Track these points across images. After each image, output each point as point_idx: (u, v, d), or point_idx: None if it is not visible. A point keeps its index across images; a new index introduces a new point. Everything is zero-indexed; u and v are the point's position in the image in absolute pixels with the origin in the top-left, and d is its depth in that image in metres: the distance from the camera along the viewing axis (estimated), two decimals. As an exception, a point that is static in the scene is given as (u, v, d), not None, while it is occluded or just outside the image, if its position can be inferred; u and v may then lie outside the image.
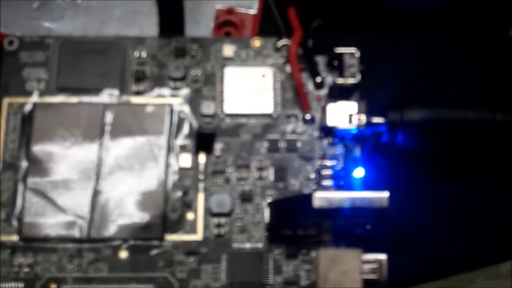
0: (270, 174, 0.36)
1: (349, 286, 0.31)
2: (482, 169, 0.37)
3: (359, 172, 0.35)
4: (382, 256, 0.32)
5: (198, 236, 0.35)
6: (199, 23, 0.41)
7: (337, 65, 0.36)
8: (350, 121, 0.35)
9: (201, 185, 0.35)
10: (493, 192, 0.37)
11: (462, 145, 0.36)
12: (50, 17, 0.41)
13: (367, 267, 0.32)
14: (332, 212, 0.31)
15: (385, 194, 0.31)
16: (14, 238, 0.34)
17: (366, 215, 0.32)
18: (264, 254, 0.34)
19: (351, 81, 0.36)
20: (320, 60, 0.37)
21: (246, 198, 0.35)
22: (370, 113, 0.35)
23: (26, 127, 0.35)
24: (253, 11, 0.40)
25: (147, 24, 0.41)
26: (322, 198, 0.31)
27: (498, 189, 0.37)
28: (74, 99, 0.36)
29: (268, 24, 0.40)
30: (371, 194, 0.31)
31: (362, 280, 0.31)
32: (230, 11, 0.40)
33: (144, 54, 0.37)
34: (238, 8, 0.40)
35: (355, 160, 0.36)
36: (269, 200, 0.35)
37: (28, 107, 0.36)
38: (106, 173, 0.35)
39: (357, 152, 0.36)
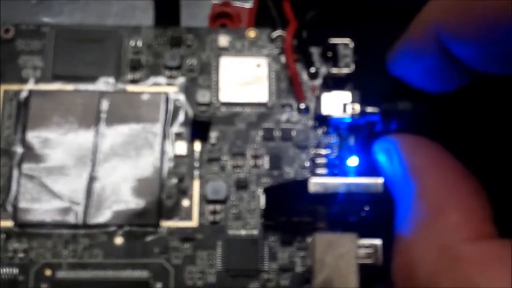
0: (265, 162, 0.36)
1: (345, 270, 0.31)
2: (476, 158, 0.38)
3: (353, 161, 0.36)
4: (378, 241, 0.32)
5: (194, 222, 0.35)
6: (196, 18, 0.42)
7: (331, 56, 0.37)
8: (345, 110, 0.35)
9: (196, 173, 0.35)
10: (488, 179, 0.37)
11: (456, 135, 0.36)
12: (48, 12, 0.42)
13: (362, 252, 0.32)
14: (328, 198, 0.31)
15: (380, 180, 0.31)
16: (9, 223, 0.34)
17: (361, 201, 0.32)
18: (259, 241, 0.35)
19: (345, 71, 0.36)
20: (315, 51, 0.38)
21: (241, 185, 0.35)
22: (364, 102, 0.36)
23: (22, 114, 0.35)
24: (248, 5, 0.41)
25: (145, 19, 0.41)
26: (317, 183, 0.31)
27: (493, 177, 0.37)
28: (70, 87, 0.36)
29: (263, 18, 0.40)
30: (366, 179, 0.31)
31: (357, 265, 0.31)
32: (226, 4, 0.40)
33: (139, 43, 0.37)
34: (234, 1, 0.41)
35: (349, 149, 0.36)
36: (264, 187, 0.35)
37: (23, 94, 0.36)
38: (101, 160, 0.35)
39: (351, 141, 0.36)
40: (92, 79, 0.36)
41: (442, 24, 0.27)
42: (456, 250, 0.26)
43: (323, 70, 0.37)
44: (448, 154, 0.30)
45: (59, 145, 0.35)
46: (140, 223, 0.34)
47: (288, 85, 0.37)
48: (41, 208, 0.34)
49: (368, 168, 0.35)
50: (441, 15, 0.27)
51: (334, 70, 0.36)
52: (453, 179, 0.29)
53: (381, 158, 0.32)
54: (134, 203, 0.34)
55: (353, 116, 0.35)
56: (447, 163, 0.30)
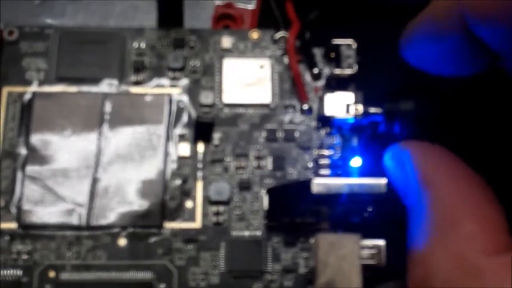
0: (268, 163, 0.36)
1: (348, 270, 0.31)
2: (479, 158, 0.37)
3: (356, 162, 0.36)
4: (381, 242, 0.32)
5: (197, 224, 0.35)
6: (199, 19, 0.42)
7: (334, 57, 0.37)
8: (348, 111, 0.36)
9: (199, 174, 0.35)
10: (491, 179, 0.37)
11: (459, 136, 0.36)
12: (51, 13, 0.42)
13: (365, 252, 0.32)
14: (330, 199, 0.31)
15: (383, 181, 0.31)
16: (13, 225, 0.34)
17: (364, 201, 0.32)
18: (263, 242, 0.35)
19: (348, 71, 0.36)
20: (317, 51, 0.38)
21: (244, 186, 0.35)
22: (367, 103, 0.36)
23: (25, 116, 0.36)
24: (251, 6, 0.41)
25: (148, 20, 0.41)
26: (320, 184, 0.31)
27: (496, 176, 0.37)
28: (73, 89, 0.36)
29: (266, 19, 0.40)
30: (369, 180, 0.31)
31: (361, 265, 0.31)
32: (229, 5, 0.40)
33: (143, 45, 0.37)
34: (237, 3, 0.41)
35: (352, 149, 0.36)
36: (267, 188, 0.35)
37: (27, 96, 0.36)
38: (105, 162, 0.35)
39: (354, 141, 0.36)
40: (96, 81, 0.36)
41: (468, 5, 0.26)
42: (473, 262, 0.25)
43: (326, 71, 0.37)
44: (461, 163, 0.29)
45: (63, 147, 0.35)
46: (143, 224, 0.34)
47: (291, 86, 0.37)
48: (45, 210, 0.34)
49: (371, 168, 0.35)
50: None
51: (337, 71, 0.36)
52: (468, 188, 0.28)
53: (393, 167, 0.32)
54: (138, 204, 0.34)
55: (356, 116, 0.36)
56: (461, 172, 0.29)
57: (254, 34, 0.38)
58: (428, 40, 0.30)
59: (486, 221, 0.27)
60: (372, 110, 0.36)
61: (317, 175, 0.36)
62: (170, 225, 0.35)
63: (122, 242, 0.34)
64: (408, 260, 0.29)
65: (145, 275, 0.34)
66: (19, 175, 0.35)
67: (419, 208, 0.29)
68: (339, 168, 0.36)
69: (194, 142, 0.36)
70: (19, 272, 0.34)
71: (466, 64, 0.29)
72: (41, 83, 0.36)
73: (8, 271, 0.33)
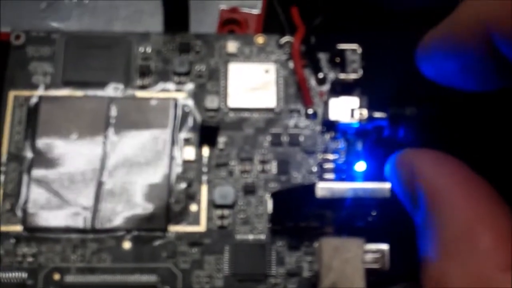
0: (273, 167, 0.36)
1: (351, 274, 0.31)
2: (483, 162, 0.37)
3: (360, 166, 0.36)
4: (385, 246, 0.32)
5: (201, 227, 0.35)
6: (204, 23, 0.42)
7: (339, 62, 0.37)
8: (352, 115, 0.36)
9: (204, 178, 0.36)
10: (495, 183, 0.37)
11: (465, 140, 0.36)
12: (57, 17, 0.42)
13: (369, 256, 0.32)
14: (335, 203, 0.31)
15: (388, 185, 0.31)
16: (18, 228, 0.34)
17: (368, 206, 0.32)
18: (267, 246, 0.35)
19: (353, 76, 0.36)
20: (322, 56, 0.38)
21: (249, 190, 0.35)
22: (371, 107, 0.36)
23: (32, 120, 0.36)
24: (256, 11, 0.41)
25: (153, 24, 0.41)
26: (324, 188, 0.31)
27: (500, 181, 0.37)
28: (79, 93, 0.37)
29: (272, 24, 0.40)
30: (373, 185, 0.31)
31: (364, 270, 0.31)
32: (234, 10, 0.41)
33: (149, 50, 0.38)
34: (242, 8, 0.41)
35: (357, 154, 0.36)
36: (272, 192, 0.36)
37: (33, 100, 0.36)
38: (110, 165, 0.35)
39: (359, 146, 0.36)
40: (102, 85, 0.37)
41: (496, 24, 0.25)
42: (489, 278, 0.25)
43: (331, 75, 0.37)
44: (473, 173, 0.28)
45: (69, 150, 0.35)
46: (148, 227, 0.34)
47: (296, 91, 0.37)
48: (50, 213, 0.34)
49: (376, 173, 0.35)
50: (494, 14, 0.25)
51: (342, 76, 0.37)
52: (482, 201, 0.27)
53: (397, 179, 0.31)
54: (143, 207, 0.34)
55: (360, 121, 0.36)
56: (474, 184, 0.28)
57: (259, 39, 0.38)
58: (447, 54, 0.29)
59: (502, 236, 0.26)
60: (377, 114, 0.36)
61: (322, 179, 0.36)
62: (174, 228, 0.35)
63: (127, 245, 0.34)
64: (421, 274, 0.28)
65: (149, 278, 0.34)
66: (25, 178, 0.35)
67: (430, 222, 0.28)
68: (344, 172, 0.36)
69: (199, 146, 0.36)
70: (24, 275, 0.34)
71: (487, 80, 0.28)
72: (48, 87, 0.37)
73: (13, 274, 0.34)
